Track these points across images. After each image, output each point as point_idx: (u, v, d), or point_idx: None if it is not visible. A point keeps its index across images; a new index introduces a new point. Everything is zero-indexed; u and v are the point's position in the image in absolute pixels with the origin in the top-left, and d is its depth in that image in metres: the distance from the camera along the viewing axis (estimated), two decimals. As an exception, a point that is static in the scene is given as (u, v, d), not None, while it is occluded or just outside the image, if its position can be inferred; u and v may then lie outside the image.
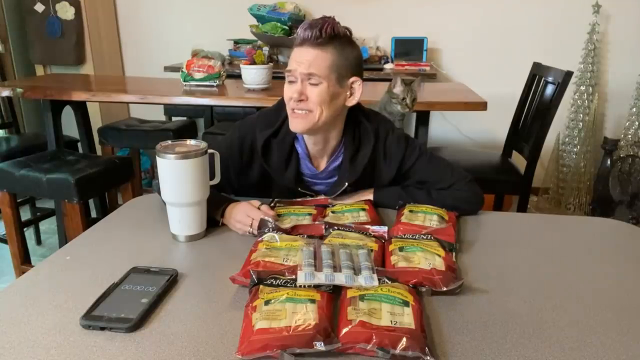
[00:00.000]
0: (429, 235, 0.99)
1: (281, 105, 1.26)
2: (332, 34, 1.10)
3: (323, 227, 1.03)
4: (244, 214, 1.08)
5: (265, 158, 1.23)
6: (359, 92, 1.18)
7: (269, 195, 1.27)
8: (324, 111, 1.13)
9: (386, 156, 1.24)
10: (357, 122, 1.24)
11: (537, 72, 2.43)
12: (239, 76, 2.32)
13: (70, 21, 3.44)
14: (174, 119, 3.34)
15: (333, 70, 1.11)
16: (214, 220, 1.12)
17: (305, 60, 1.10)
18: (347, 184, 1.23)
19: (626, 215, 2.79)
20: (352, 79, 1.16)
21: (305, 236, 0.99)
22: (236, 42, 3.21)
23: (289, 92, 1.14)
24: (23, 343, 0.70)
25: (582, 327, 0.77)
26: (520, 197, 2.22)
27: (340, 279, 0.81)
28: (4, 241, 2.27)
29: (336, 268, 0.84)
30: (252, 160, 1.25)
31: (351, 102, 1.18)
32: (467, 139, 3.33)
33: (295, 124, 1.16)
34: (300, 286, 0.78)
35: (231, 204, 1.13)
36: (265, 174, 1.26)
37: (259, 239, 0.96)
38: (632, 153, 2.96)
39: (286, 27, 3.05)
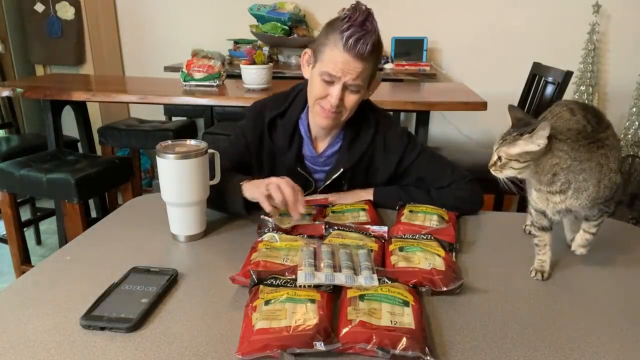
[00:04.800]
0: (429, 235, 0.99)
1: (293, 90, 1.31)
2: (375, 46, 1.12)
3: (323, 227, 1.03)
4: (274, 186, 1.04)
5: (270, 134, 1.27)
6: (375, 88, 1.25)
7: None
8: (350, 113, 1.19)
9: (386, 149, 1.26)
10: (361, 112, 1.26)
11: (537, 72, 2.44)
12: (239, 76, 2.32)
13: (70, 21, 3.44)
14: (174, 119, 3.35)
15: (369, 77, 1.16)
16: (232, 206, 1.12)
17: (353, 71, 1.11)
18: (342, 169, 1.25)
19: (626, 215, 2.79)
20: (375, 78, 1.22)
21: (305, 236, 0.99)
22: (236, 42, 3.21)
23: (324, 92, 1.15)
24: (23, 343, 0.70)
25: (582, 327, 0.77)
26: (520, 197, 2.22)
27: (341, 279, 0.81)
28: (4, 241, 2.27)
29: (336, 268, 0.84)
30: (263, 137, 1.28)
31: (367, 96, 1.24)
32: (467, 139, 3.33)
33: (324, 122, 1.19)
34: (300, 286, 0.78)
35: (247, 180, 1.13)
36: (271, 154, 1.29)
37: (259, 239, 0.96)
38: (632, 153, 2.96)
39: (286, 27, 3.05)
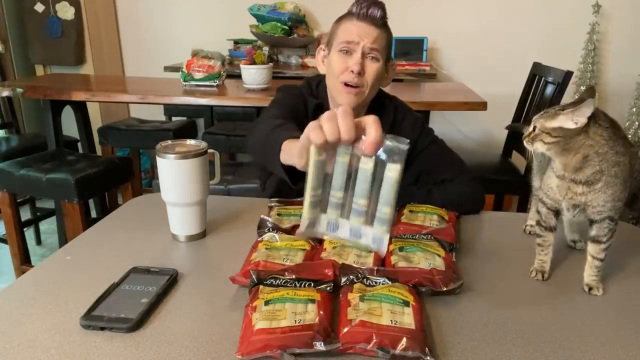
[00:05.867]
0: (429, 235, 0.99)
1: (310, 83, 1.31)
2: (386, 17, 1.16)
3: (323, 227, 1.03)
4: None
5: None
6: (392, 74, 1.27)
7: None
8: (371, 89, 1.19)
9: (401, 135, 1.27)
10: (379, 101, 1.28)
11: (537, 72, 2.44)
12: (239, 76, 2.32)
13: (70, 21, 3.44)
14: (174, 119, 3.35)
15: (386, 50, 1.18)
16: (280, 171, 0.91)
17: (369, 35, 1.13)
18: None
19: (626, 215, 2.79)
20: (391, 62, 1.24)
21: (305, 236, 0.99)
22: (236, 42, 3.21)
23: (344, 63, 1.15)
24: (23, 343, 0.70)
25: (582, 327, 0.77)
26: (520, 197, 2.22)
27: (345, 231, 0.66)
28: (4, 241, 2.27)
29: (344, 210, 0.67)
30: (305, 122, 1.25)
31: (385, 83, 1.26)
32: (467, 139, 3.33)
33: (350, 99, 1.17)
34: (299, 285, 0.78)
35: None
36: None
37: (259, 239, 0.96)
38: (632, 153, 2.95)
39: (286, 27, 3.05)
